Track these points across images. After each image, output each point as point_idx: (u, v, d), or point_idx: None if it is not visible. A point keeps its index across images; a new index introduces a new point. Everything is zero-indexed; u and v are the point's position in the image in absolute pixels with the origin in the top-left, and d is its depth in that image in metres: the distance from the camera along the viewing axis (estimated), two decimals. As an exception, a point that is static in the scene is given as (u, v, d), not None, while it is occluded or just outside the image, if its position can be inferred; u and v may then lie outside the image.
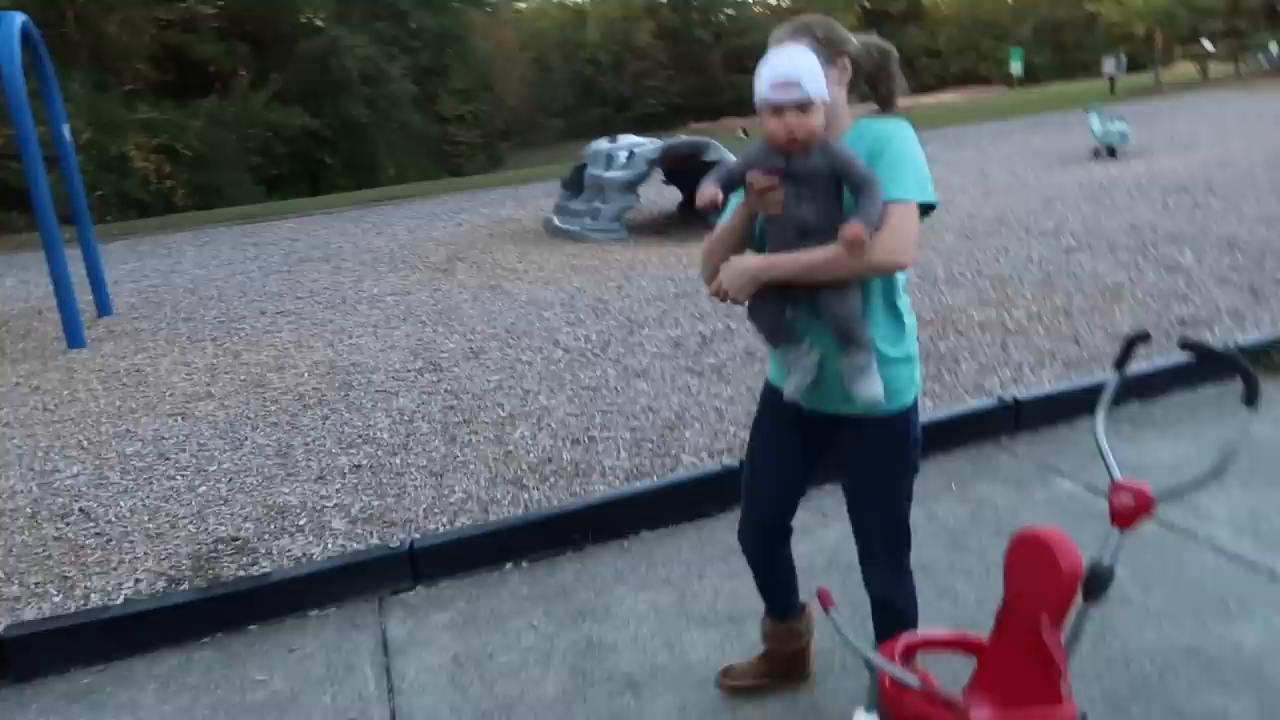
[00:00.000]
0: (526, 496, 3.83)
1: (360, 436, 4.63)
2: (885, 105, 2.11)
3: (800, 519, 2.39)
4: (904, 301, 2.05)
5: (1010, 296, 6.15)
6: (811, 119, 1.86)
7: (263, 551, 3.53)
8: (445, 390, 5.26)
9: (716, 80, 53.32)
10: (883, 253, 1.84)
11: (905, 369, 2.04)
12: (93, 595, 3.32)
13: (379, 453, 4.40)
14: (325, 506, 3.86)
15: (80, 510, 4.04)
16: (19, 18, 7.03)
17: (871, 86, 2.09)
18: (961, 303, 6.09)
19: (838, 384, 1.99)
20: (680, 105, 53.41)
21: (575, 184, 11.81)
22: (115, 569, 3.50)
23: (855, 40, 2.05)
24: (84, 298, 8.12)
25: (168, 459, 4.56)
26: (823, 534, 3.40)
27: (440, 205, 16.51)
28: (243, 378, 5.92)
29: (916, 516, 2.22)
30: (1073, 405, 4.33)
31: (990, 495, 3.71)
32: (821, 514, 3.43)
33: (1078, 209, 9.32)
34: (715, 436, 4.21)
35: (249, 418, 5.08)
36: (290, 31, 31.27)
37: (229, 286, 9.64)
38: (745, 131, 31.71)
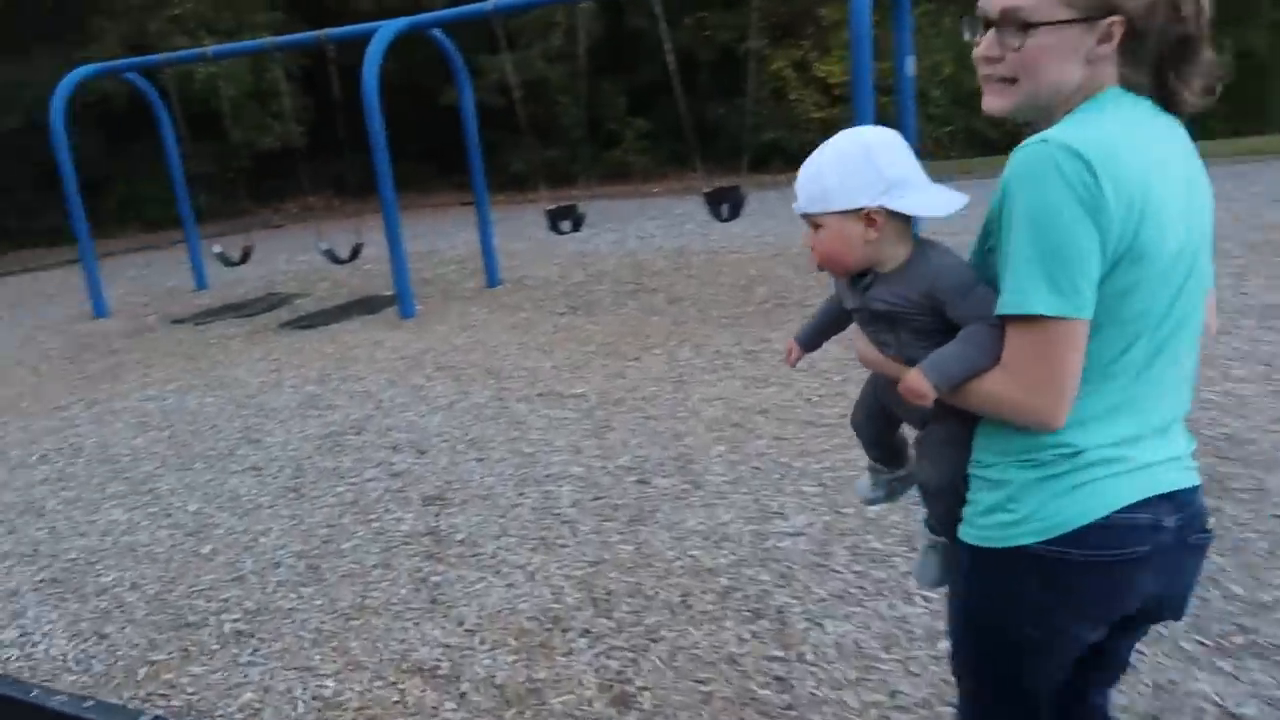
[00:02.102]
0: None
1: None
2: (1168, 89, 1.28)
3: None
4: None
5: None
6: (822, 241, 1.40)
7: None
8: None
9: None
10: (1003, 405, 1.25)
11: (989, 493, 1.31)
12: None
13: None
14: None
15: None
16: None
17: (1165, 63, 1.26)
18: None
19: None
20: None
21: None
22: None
23: None
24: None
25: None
26: None
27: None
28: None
29: None
30: None
31: None
32: None
33: None
34: None
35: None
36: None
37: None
38: None
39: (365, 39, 7.80)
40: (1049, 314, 1.17)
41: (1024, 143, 1.20)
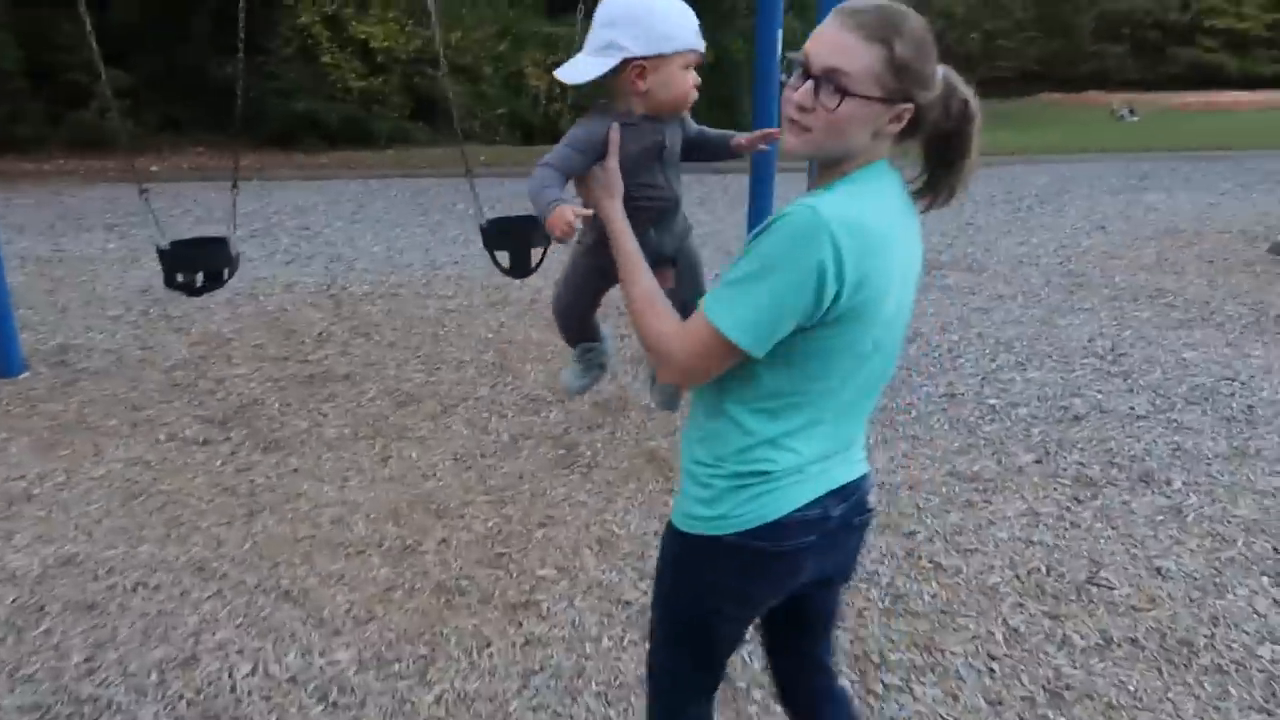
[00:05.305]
0: None
1: None
2: (938, 185, 1.49)
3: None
4: (771, 406, 1.45)
5: None
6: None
7: None
8: None
9: (1081, 47, 45.82)
10: (653, 339, 1.45)
11: (696, 489, 1.52)
12: None
13: None
14: None
15: None
16: None
17: (933, 150, 1.47)
18: None
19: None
20: (1036, 72, 46.44)
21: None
22: None
23: (938, 78, 1.39)
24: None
25: None
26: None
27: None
28: None
29: None
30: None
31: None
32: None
33: None
34: None
35: None
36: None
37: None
38: (1116, 111, 26.79)
39: None
40: (728, 337, 1.35)
41: (801, 202, 1.33)
